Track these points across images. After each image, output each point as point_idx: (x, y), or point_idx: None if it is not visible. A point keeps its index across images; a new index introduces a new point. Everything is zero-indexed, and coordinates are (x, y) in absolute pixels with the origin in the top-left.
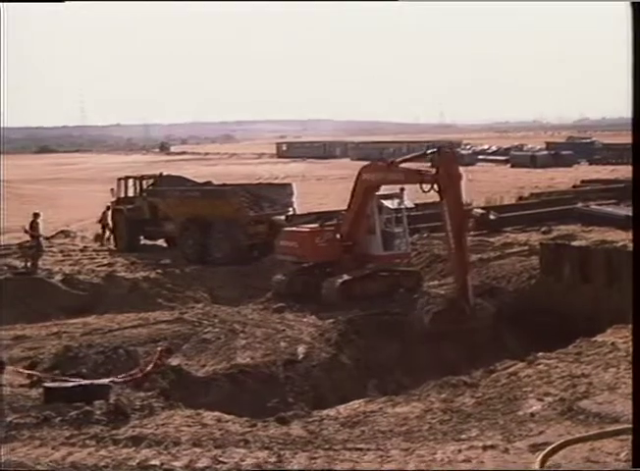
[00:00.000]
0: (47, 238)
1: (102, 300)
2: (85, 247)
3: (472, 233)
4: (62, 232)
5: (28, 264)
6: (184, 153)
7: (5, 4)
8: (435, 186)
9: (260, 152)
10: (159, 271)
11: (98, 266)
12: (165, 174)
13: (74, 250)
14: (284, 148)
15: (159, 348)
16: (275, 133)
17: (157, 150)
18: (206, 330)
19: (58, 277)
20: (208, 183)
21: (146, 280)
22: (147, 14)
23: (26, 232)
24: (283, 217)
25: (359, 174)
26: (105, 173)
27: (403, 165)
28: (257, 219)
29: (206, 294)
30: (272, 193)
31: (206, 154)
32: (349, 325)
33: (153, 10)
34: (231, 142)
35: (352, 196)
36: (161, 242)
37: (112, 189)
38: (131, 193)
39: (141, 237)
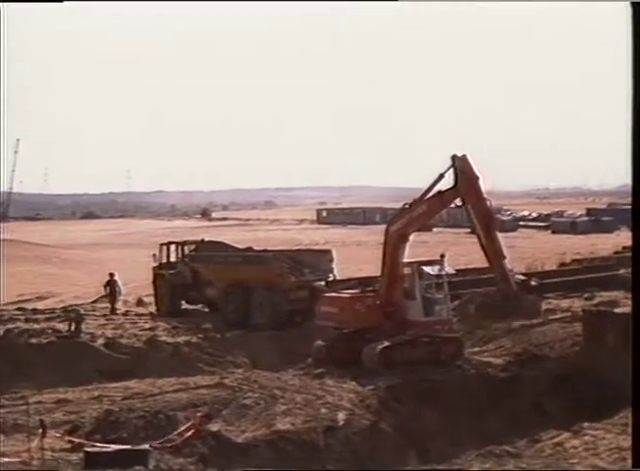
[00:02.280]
0: (92, 302)
1: (143, 364)
2: (128, 311)
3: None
4: (105, 296)
5: (72, 328)
6: (225, 219)
7: (5, 4)
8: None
9: (300, 218)
10: (200, 335)
11: (140, 330)
12: (206, 239)
13: (116, 314)
14: (324, 214)
15: (199, 414)
16: (315, 200)
17: (199, 216)
18: (246, 395)
19: (100, 341)
20: (249, 249)
21: (187, 344)
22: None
23: (105, 292)
24: (323, 283)
25: (386, 232)
26: (148, 238)
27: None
28: (298, 285)
29: (247, 360)
30: (312, 259)
31: (247, 220)
32: (390, 392)
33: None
34: (271, 208)
35: (384, 259)
36: (202, 307)
37: (154, 255)
38: (173, 259)
39: (183, 302)
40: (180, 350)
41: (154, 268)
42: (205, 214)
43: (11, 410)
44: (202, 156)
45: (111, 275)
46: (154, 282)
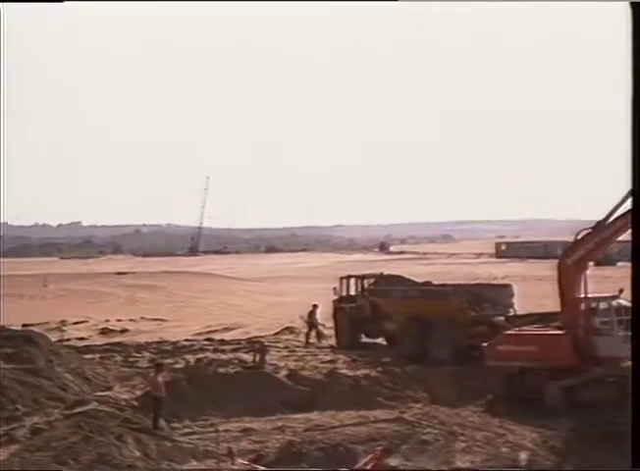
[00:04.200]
0: (275, 334)
1: (324, 397)
2: (309, 344)
3: None
4: (287, 328)
5: (257, 359)
6: (402, 253)
7: (5, 3)
8: None
9: (479, 252)
10: (379, 369)
11: (321, 362)
12: (385, 273)
13: (298, 346)
14: (503, 248)
15: (378, 448)
16: (494, 233)
17: (377, 250)
18: (425, 431)
19: (283, 372)
20: (428, 283)
21: (367, 377)
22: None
23: (307, 322)
24: (502, 318)
25: (560, 265)
26: (328, 271)
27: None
28: (477, 319)
29: (425, 394)
30: (492, 294)
31: (425, 254)
32: (574, 433)
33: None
34: (449, 242)
35: (562, 295)
36: (381, 340)
37: (334, 288)
38: (352, 292)
39: (362, 335)
40: (359, 384)
41: (334, 301)
42: (383, 248)
43: (201, 437)
44: (380, 190)
45: (314, 306)
46: (334, 315)
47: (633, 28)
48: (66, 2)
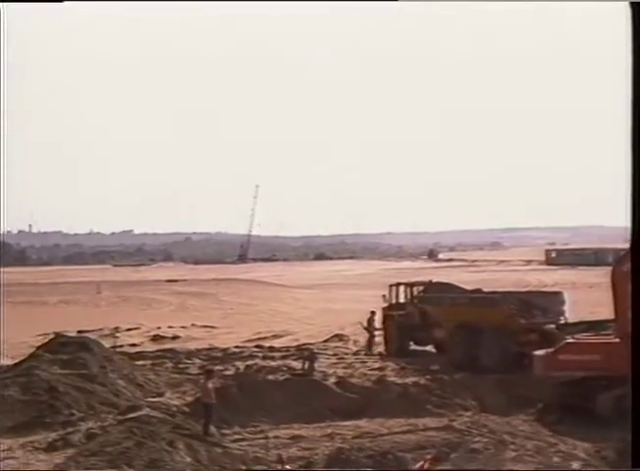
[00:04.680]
0: (324, 341)
1: (373, 404)
2: (358, 351)
3: None
4: (336, 335)
5: (306, 366)
6: (451, 260)
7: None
8: None
9: (528, 259)
10: (428, 377)
11: (369, 370)
12: (434, 281)
13: (347, 354)
14: (553, 255)
15: (428, 456)
16: (543, 240)
17: (426, 257)
18: (475, 439)
19: (332, 379)
20: (477, 291)
21: (416, 385)
22: None
23: (366, 329)
24: (553, 326)
25: (614, 273)
26: (376, 279)
27: None
28: (528, 327)
29: (475, 402)
30: (543, 301)
31: (474, 261)
32: (626, 444)
33: None
34: (498, 249)
35: (617, 303)
36: (430, 348)
37: (384, 295)
38: (402, 300)
39: (411, 343)
40: (408, 391)
41: (383, 309)
42: (432, 255)
43: (251, 443)
44: (428, 197)
45: (372, 313)
46: (383, 322)
47: (633, 28)
48: (66, 2)
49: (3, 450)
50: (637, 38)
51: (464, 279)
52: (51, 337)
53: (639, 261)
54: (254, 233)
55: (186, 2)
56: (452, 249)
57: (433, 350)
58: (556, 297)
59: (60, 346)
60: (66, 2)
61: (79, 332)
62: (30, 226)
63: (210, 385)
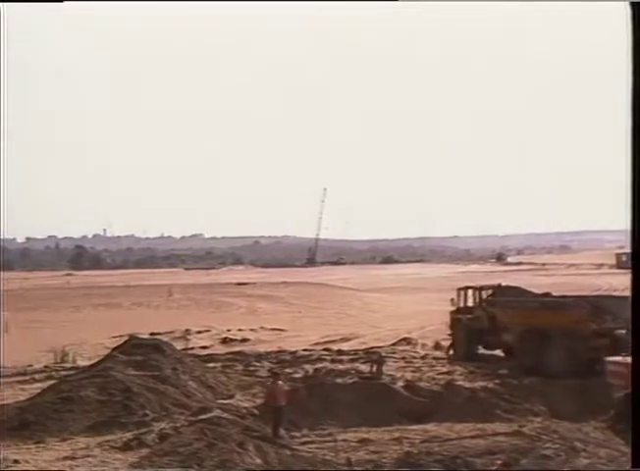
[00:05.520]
0: (392, 345)
1: (441, 408)
2: (426, 355)
3: None
4: (404, 339)
5: (374, 369)
6: (520, 263)
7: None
8: None
9: (599, 263)
10: (497, 381)
11: (438, 374)
12: (503, 284)
13: (415, 357)
14: (624, 259)
15: (498, 462)
16: (614, 243)
17: (494, 261)
18: (545, 445)
19: (400, 383)
20: (547, 295)
21: (484, 390)
22: None
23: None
24: (624, 331)
25: None
26: (444, 282)
27: None
28: (599, 332)
29: (545, 408)
30: (614, 306)
31: (542, 265)
32: None
33: None
34: (567, 253)
35: None
36: (498, 352)
37: (452, 299)
38: (470, 303)
39: (480, 347)
40: (477, 396)
41: (451, 312)
42: (500, 258)
43: (320, 446)
44: (495, 199)
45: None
46: (451, 326)
47: (633, 28)
48: (66, 2)
49: (81, 448)
50: (637, 38)
51: (534, 282)
52: (125, 338)
53: (639, 261)
54: (322, 236)
55: (186, 2)
56: (520, 252)
57: (501, 355)
58: (627, 302)
59: (134, 348)
60: (66, 2)
61: (151, 334)
62: (105, 230)
63: (280, 387)
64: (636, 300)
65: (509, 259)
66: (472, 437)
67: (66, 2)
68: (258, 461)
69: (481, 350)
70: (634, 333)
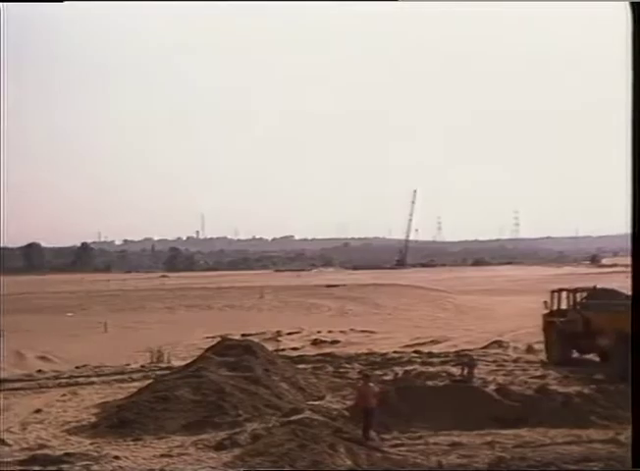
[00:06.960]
0: (483, 348)
1: (534, 413)
2: (518, 358)
3: None
4: (495, 342)
5: (465, 372)
6: (615, 265)
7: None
8: None
9: None
10: (592, 386)
11: (530, 377)
12: (599, 287)
13: (507, 361)
14: None
15: (594, 469)
16: None
17: (588, 262)
18: None
19: (492, 386)
20: None
21: (579, 395)
22: None
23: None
24: None
25: None
26: (536, 285)
27: None
28: None
29: None
30: None
31: None
32: None
33: None
34: None
35: None
36: (593, 356)
37: (545, 302)
38: (564, 306)
39: (574, 351)
40: (571, 401)
41: (544, 315)
42: (595, 260)
43: (410, 449)
44: (588, 200)
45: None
46: (544, 329)
47: (633, 28)
48: (66, 2)
49: (177, 446)
50: (637, 38)
51: (629, 285)
52: (218, 340)
53: (639, 261)
54: (412, 238)
55: (186, 2)
56: (615, 254)
57: (596, 359)
58: None
59: (226, 349)
60: (66, 2)
61: (243, 335)
62: (198, 232)
63: (370, 389)
64: (636, 300)
65: (605, 261)
66: (567, 443)
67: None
68: (349, 463)
69: (575, 354)
70: (634, 333)
